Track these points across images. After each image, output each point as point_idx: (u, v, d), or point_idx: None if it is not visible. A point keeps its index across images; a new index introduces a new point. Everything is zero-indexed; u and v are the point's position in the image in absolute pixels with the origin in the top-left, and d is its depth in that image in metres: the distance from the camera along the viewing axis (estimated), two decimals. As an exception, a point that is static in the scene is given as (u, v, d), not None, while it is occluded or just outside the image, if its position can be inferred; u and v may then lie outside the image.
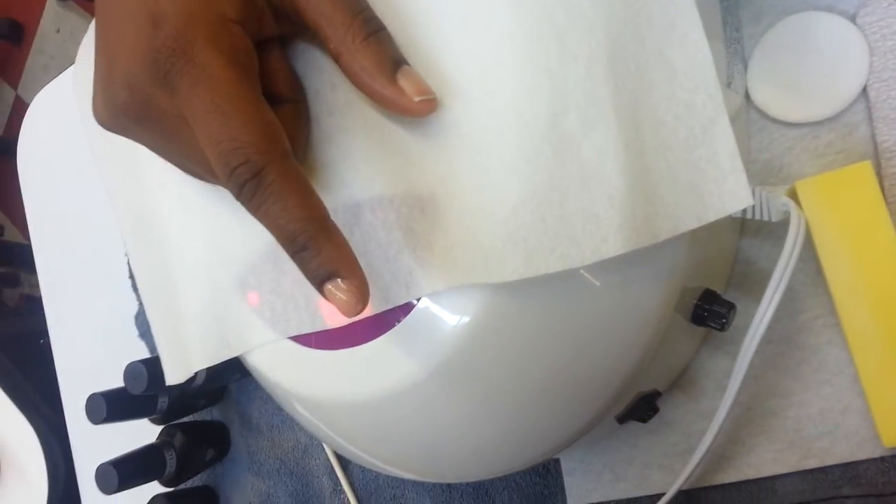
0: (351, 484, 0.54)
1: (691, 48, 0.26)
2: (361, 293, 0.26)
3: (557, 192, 0.27)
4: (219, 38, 0.26)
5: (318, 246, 0.26)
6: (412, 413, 0.32)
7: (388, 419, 0.33)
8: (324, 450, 0.55)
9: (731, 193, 0.26)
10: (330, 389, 0.34)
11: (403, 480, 0.51)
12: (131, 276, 0.68)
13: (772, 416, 0.38)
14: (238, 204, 0.26)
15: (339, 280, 0.26)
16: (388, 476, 0.52)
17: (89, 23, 0.43)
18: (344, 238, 0.27)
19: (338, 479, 0.54)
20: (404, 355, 0.31)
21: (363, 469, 0.53)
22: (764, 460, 0.38)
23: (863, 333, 0.34)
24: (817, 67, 0.36)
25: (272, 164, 0.25)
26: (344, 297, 0.26)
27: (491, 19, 0.27)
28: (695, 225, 0.27)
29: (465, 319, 0.29)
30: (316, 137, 0.32)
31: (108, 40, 0.28)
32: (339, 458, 0.54)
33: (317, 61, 0.31)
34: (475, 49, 0.28)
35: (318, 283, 0.26)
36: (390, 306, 0.30)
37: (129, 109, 0.28)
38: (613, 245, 0.26)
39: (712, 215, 0.26)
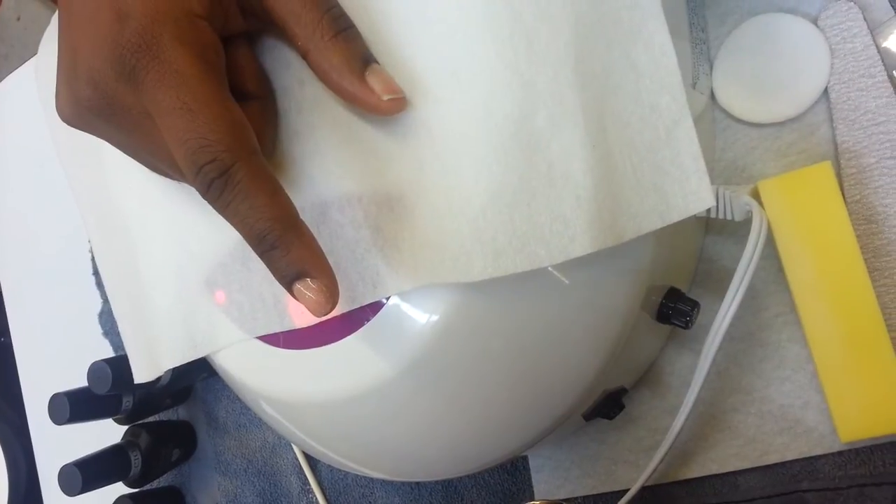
0: (319, 483, 0.53)
1: (657, 51, 0.26)
2: (331, 293, 0.26)
3: (525, 192, 0.27)
4: (185, 34, 0.26)
5: (287, 245, 0.25)
6: (381, 412, 0.32)
7: (357, 418, 0.33)
8: (292, 449, 0.55)
9: (693, 194, 0.26)
10: (298, 389, 0.33)
11: (372, 479, 0.51)
12: (95, 273, 0.67)
13: (734, 413, 0.39)
14: (205, 201, 0.26)
15: (308, 279, 0.26)
16: (356, 475, 0.52)
17: (52, 12, 0.42)
18: (313, 237, 0.27)
19: (306, 478, 0.54)
20: (373, 354, 0.31)
21: (331, 468, 0.53)
22: (727, 455, 0.39)
23: (822, 331, 0.34)
24: (780, 68, 0.36)
25: (240, 162, 0.25)
26: (313, 297, 0.26)
27: (460, 18, 0.27)
28: (658, 225, 0.27)
29: (435, 318, 0.29)
30: (284, 134, 0.31)
31: (72, 34, 0.28)
32: (308, 457, 0.54)
33: (285, 57, 0.31)
34: (445, 48, 0.28)
35: (287, 282, 0.26)
36: (357, 306, 0.30)
37: (92, 106, 0.27)
38: (580, 245, 0.26)
39: (675, 216, 0.27)
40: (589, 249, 0.26)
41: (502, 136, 0.27)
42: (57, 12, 0.30)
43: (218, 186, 0.25)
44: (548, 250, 0.27)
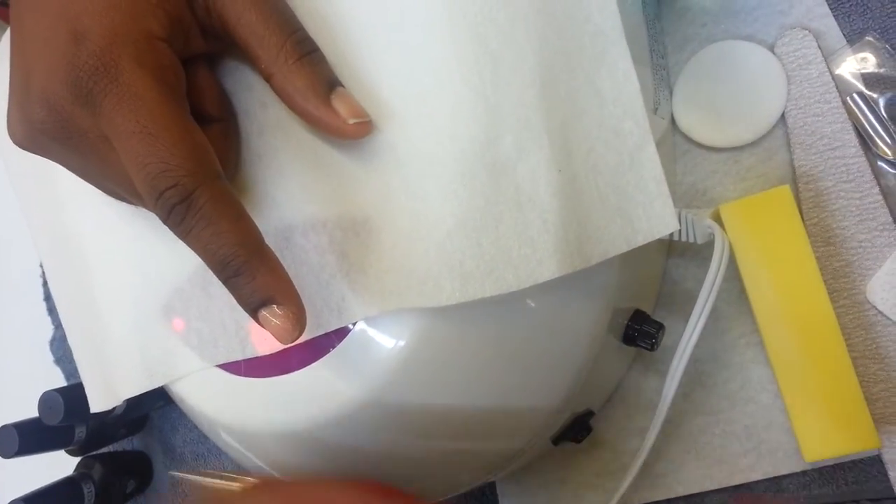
0: (281, 513, 0.52)
1: (620, 77, 0.27)
2: (298, 319, 0.26)
3: (493, 216, 0.27)
4: (144, 56, 0.25)
5: (252, 271, 0.25)
6: (346, 440, 0.32)
7: (321, 447, 0.32)
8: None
9: (658, 218, 0.27)
10: (260, 418, 0.33)
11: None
12: (47, 298, 0.65)
13: (700, 434, 0.39)
14: (163, 226, 0.25)
15: (274, 306, 0.25)
16: None
17: (2, 29, 0.41)
18: (279, 262, 0.26)
19: (267, 507, 0.52)
20: (339, 381, 0.30)
21: (294, 497, 0.52)
22: (694, 477, 0.39)
23: (784, 352, 0.35)
24: (738, 94, 0.37)
25: (202, 187, 0.24)
26: (280, 324, 0.25)
27: (426, 43, 0.27)
28: (624, 249, 0.27)
29: (401, 343, 0.29)
30: (246, 157, 0.31)
31: (25, 55, 0.27)
32: (269, 486, 0.52)
33: (246, 79, 0.30)
34: (411, 72, 0.27)
35: (252, 309, 0.25)
36: (322, 332, 0.30)
37: (46, 129, 0.26)
38: (548, 269, 0.26)
39: (640, 239, 0.27)
40: (556, 273, 0.26)
41: (468, 159, 0.27)
42: (8, 31, 0.29)
43: (179, 212, 0.24)
44: (515, 274, 0.27)
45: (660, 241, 0.37)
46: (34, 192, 0.37)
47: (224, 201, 0.25)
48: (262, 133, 0.30)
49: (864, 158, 0.35)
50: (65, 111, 0.26)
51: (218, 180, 0.25)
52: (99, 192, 0.31)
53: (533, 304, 0.30)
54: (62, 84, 0.25)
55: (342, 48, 0.28)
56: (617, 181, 0.27)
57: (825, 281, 0.34)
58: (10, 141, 0.29)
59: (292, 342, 0.26)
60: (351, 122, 0.27)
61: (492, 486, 0.45)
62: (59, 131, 0.26)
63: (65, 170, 0.30)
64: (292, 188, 0.30)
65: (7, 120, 0.28)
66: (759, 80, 0.37)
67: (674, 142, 0.39)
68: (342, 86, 0.27)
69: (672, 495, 0.40)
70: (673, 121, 0.39)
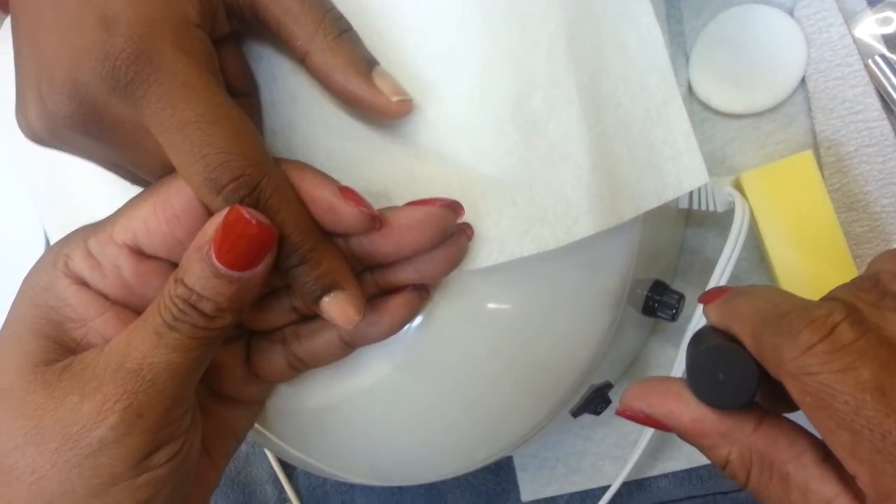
0: (297, 491, 0.52)
1: (644, 30, 0.27)
2: (361, 302, 0.25)
3: (526, 174, 0.26)
4: (186, 42, 0.24)
5: (317, 259, 0.25)
6: (363, 415, 0.32)
7: (337, 422, 0.32)
8: (266, 457, 0.53)
9: (687, 171, 0.27)
10: (274, 395, 0.32)
11: (352, 485, 0.50)
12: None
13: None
14: None
15: (339, 292, 0.25)
16: (335, 481, 0.51)
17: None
18: (337, 248, 0.26)
19: (282, 487, 0.52)
20: (354, 357, 0.30)
21: (309, 475, 0.52)
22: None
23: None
24: (757, 59, 0.36)
25: (267, 178, 0.24)
26: (344, 309, 0.25)
27: (451, 3, 0.26)
28: (655, 203, 0.27)
29: (418, 321, 0.29)
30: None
31: (39, 44, 0.25)
32: (284, 464, 0.52)
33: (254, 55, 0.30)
34: (435, 31, 0.27)
35: (317, 297, 0.25)
36: None
37: (74, 122, 0.25)
38: (584, 226, 0.26)
39: (671, 193, 0.27)
40: (592, 230, 0.26)
41: (500, 118, 0.26)
42: (9, 17, 0.27)
43: (249, 205, 0.23)
44: (552, 232, 0.26)
45: (678, 209, 0.37)
46: (43, 181, 0.37)
47: (286, 190, 0.24)
48: (274, 105, 0.30)
49: (886, 122, 0.34)
50: (98, 102, 0.24)
51: (276, 168, 0.24)
52: (116, 178, 0.30)
53: (552, 275, 0.29)
54: (94, 74, 0.23)
55: (362, 11, 0.27)
56: (645, 136, 0.27)
57: (848, 247, 0.34)
58: (24, 137, 0.27)
59: (354, 326, 0.25)
60: (394, 99, 0.26)
61: (509, 460, 0.44)
62: (89, 124, 0.25)
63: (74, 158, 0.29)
64: (316, 159, 0.29)
65: (20, 115, 0.27)
66: (778, 45, 0.36)
67: (691, 109, 0.39)
68: (379, 64, 0.26)
69: (692, 465, 0.39)
70: (690, 88, 0.38)
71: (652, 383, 0.24)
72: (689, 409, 0.22)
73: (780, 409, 0.23)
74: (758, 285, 0.24)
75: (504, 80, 0.26)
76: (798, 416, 0.21)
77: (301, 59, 0.26)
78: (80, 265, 0.26)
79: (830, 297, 0.21)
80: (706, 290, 0.27)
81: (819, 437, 0.21)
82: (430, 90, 0.27)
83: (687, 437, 0.23)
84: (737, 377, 0.21)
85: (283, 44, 0.27)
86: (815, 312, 0.19)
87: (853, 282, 0.21)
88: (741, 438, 0.22)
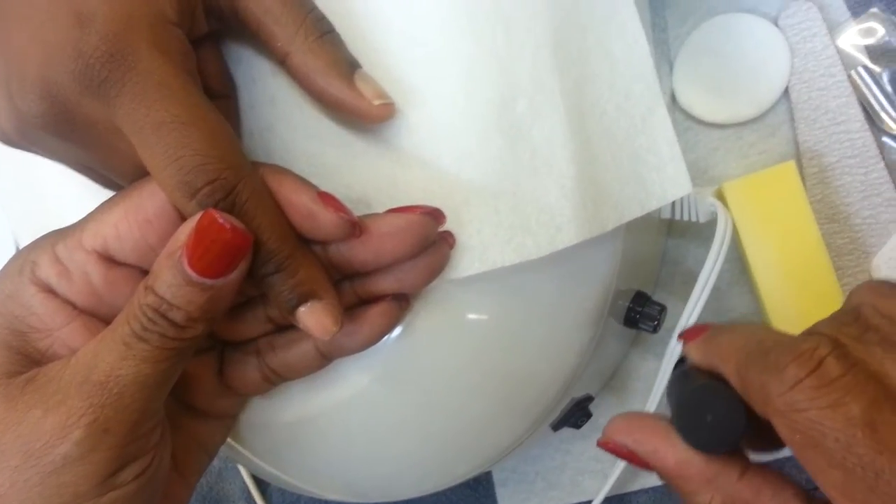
0: (270, 507, 0.51)
1: (629, 38, 0.27)
2: (339, 312, 0.24)
3: (509, 181, 0.26)
4: (163, 41, 0.23)
5: (294, 266, 0.24)
6: (339, 431, 0.31)
7: (312, 437, 0.31)
8: (239, 473, 0.52)
9: (671, 181, 0.27)
10: (248, 408, 0.31)
11: (327, 502, 0.49)
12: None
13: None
14: None
15: (315, 301, 0.24)
16: (310, 498, 0.50)
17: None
18: (314, 255, 0.25)
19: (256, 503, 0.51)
20: (331, 369, 0.29)
21: (283, 492, 0.51)
22: (695, 461, 0.38)
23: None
24: (740, 69, 0.36)
25: (244, 181, 0.23)
26: (322, 319, 0.24)
27: (436, 5, 0.26)
28: (638, 213, 0.27)
29: (397, 331, 0.28)
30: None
31: (10, 39, 0.24)
32: (257, 480, 0.51)
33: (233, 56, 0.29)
34: (421, 35, 0.26)
35: (293, 306, 0.24)
36: None
37: (45, 122, 0.24)
38: (567, 235, 0.26)
39: (655, 203, 0.27)
40: (575, 240, 0.26)
41: (484, 123, 0.26)
42: None
43: (224, 209, 0.22)
44: (535, 241, 0.26)
45: (660, 220, 0.37)
46: (12, 183, 0.35)
47: (263, 194, 0.23)
48: (252, 108, 0.29)
49: (868, 133, 0.34)
50: (70, 102, 0.23)
51: (253, 172, 0.23)
52: (87, 181, 0.29)
53: (533, 286, 0.29)
54: (67, 73, 0.23)
55: (344, 12, 0.27)
56: (629, 144, 0.27)
57: (830, 259, 0.34)
58: None
59: (331, 337, 0.24)
60: (376, 103, 0.25)
61: (488, 475, 0.44)
62: (60, 124, 0.24)
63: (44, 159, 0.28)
64: (299, 161, 0.28)
65: None
66: (761, 54, 0.36)
67: (674, 118, 0.39)
68: (361, 66, 0.26)
69: (674, 480, 0.39)
70: (673, 97, 0.38)
71: (639, 419, 0.23)
72: (674, 451, 0.22)
73: (764, 449, 0.22)
74: (739, 324, 0.23)
75: (489, 83, 0.26)
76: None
77: (281, 61, 0.26)
78: (48, 272, 0.24)
79: (813, 332, 0.20)
80: (687, 326, 0.26)
81: (803, 485, 0.20)
82: (414, 94, 0.26)
83: (669, 479, 0.22)
84: (725, 418, 0.21)
85: (262, 45, 0.26)
86: (800, 346, 0.19)
87: (834, 316, 0.21)
88: (726, 486, 0.21)
